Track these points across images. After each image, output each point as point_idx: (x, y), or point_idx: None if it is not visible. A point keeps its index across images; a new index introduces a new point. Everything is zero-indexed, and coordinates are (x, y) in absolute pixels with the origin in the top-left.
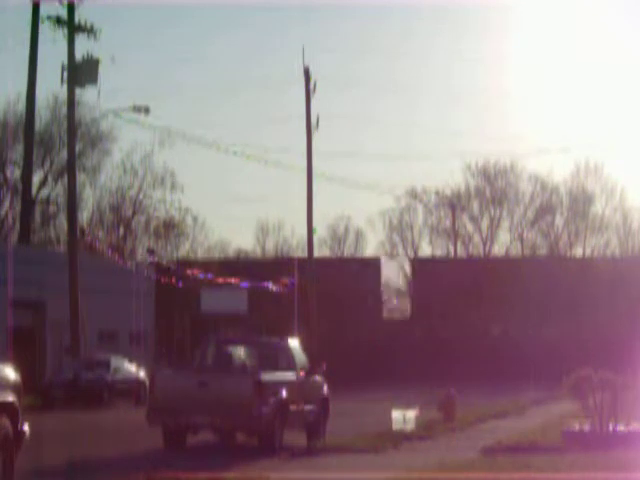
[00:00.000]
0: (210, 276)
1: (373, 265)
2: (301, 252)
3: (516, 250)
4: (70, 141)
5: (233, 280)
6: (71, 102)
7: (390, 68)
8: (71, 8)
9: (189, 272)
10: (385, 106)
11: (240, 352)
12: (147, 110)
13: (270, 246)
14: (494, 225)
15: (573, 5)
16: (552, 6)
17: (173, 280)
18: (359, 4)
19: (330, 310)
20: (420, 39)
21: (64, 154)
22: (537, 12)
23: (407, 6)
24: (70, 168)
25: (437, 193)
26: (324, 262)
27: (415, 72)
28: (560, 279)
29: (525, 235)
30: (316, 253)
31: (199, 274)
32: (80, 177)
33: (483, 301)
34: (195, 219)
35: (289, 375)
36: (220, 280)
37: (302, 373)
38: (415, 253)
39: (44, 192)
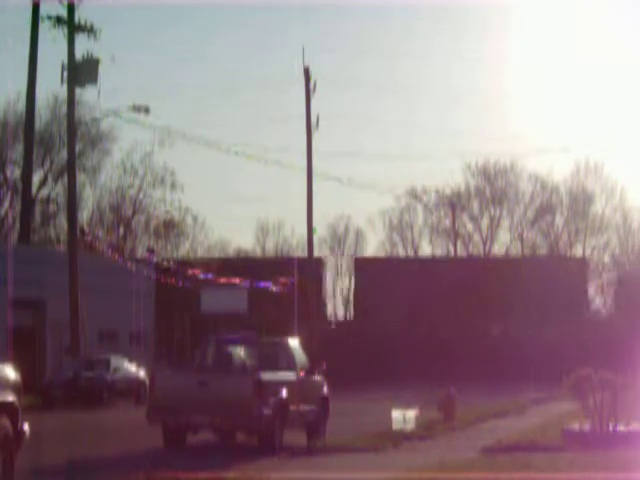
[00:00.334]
0: (210, 276)
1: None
2: (301, 252)
3: (516, 249)
4: (70, 140)
5: (233, 280)
6: (71, 102)
7: (390, 68)
8: (71, 8)
9: (189, 272)
10: (385, 106)
11: (240, 352)
12: (147, 110)
13: (270, 246)
14: (494, 225)
15: (573, 5)
16: (552, 6)
17: (173, 280)
18: (359, 4)
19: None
20: (420, 39)
21: (64, 153)
22: (537, 12)
23: (407, 6)
24: (70, 167)
25: (437, 193)
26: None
27: (415, 72)
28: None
29: (525, 235)
30: (316, 253)
31: (199, 274)
32: (80, 177)
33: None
34: (195, 219)
35: (289, 375)
36: (220, 280)
37: (302, 373)
38: (415, 252)
39: (44, 191)
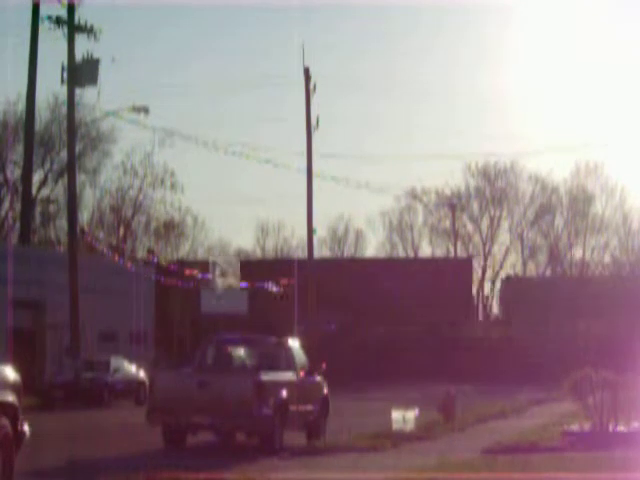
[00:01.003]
0: (210, 276)
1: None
2: (301, 253)
3: (516, 250)
4: (70, 141)
5: (233, 280)
6: (71, 102)
7: (390, 68)
8: (71, 8)
9: (189, 272)
10: (385, 107)
11: (240, 352)
12: (146, 110)
13: (270, 246)
14: (494, 225)
15: (573, 5)
16: (552, 6)
17: (173, 280)
18: (359, 4)
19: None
20: (420, 39)
21: (64, 154)
22: (537, 12)
23: (407, 6)
24: (70, 168)
25: (437, 193)
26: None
27: (415, 72)
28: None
29: (525, 235)
30: (316, 254)
31: (199, 274)
32: (80, 177)
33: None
34: (195, 219)
35: (289, 375)
36: (220, 280)
37: (302, 373)
38: (415, 253)
39: (44, 192)
